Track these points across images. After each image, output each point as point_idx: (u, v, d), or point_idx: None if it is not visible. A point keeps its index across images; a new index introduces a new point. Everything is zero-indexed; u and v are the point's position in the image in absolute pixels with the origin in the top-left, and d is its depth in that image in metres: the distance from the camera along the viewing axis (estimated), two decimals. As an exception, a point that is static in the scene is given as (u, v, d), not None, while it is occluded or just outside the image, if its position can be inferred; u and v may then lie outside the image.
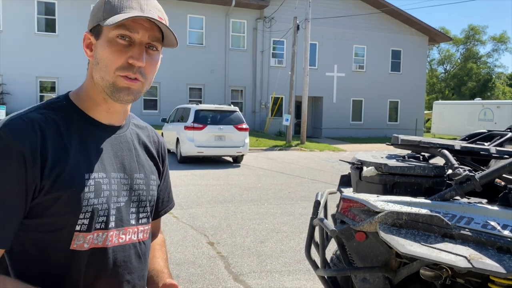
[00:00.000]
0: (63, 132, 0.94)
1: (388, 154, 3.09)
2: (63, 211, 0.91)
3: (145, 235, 1.08)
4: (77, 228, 0.92)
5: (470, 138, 3.48)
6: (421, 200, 2.20)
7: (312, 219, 2.73)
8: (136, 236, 1.04)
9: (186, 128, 11.94)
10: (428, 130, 32.30)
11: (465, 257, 1.82)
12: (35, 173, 0.88)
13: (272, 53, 23.81)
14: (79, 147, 0.96)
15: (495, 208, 2.08)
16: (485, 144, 3.10)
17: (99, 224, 0.95)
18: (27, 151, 0.87)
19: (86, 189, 0.93)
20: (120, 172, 1.02)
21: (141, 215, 1.06)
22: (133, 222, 1.03)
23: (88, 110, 1.01)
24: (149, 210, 1.09)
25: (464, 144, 2.92)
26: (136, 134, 1.12)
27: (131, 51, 0.94)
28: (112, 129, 1.05)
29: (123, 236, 1.01)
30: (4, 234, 0.87)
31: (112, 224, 0.98)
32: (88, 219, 0.93)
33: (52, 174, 0.89)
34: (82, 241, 0.93)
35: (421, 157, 3.14)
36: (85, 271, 0.94)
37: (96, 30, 0.98)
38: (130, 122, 1.12)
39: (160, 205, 1.23)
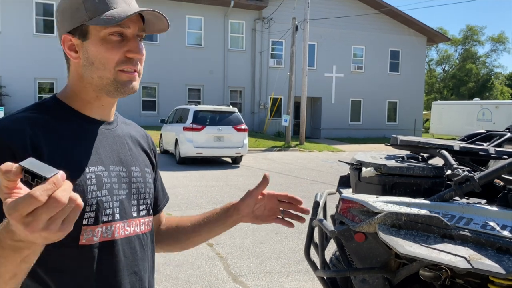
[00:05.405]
0: (56, 129, 0.94)
1: (387, 155, 3.09)
2: None
3: (147, 227, 1.09)
4: (84, 222, 0.92)
5: (469, 138, 3.49)
6: (420, 200, 2.20)
7: (311, 220, 2.72)
8: (139, 228, 1.05)
9: (185, 129, 11.91)
10: (426, 130, 32.33)
11: (465, 257, 1.83)
12: None
13: (271, 53, 23.81)
14: (75, 142, 0.96)
15: (494, 208, 2.08)
16: (484, 144, 3.10)
17: (106, 217, 0.96)
18: (19, 149, 0.85)
19: (89, 182, 0.93)
20: (118, 165, 1.03)
21: (141, 207, 1.07)
22: (134, 214, 1.05)
23: (80, 108, 1.01)
24: (148, 202, 1.10)
25: (463, 144, 2.92)
26: (126, 129, 1.13)
27: (127, 45, 0.96)
28: (104, 125, 1.05)
29: (128, 228, 1.01)
30: None
31: (117, 216, 0.99)
32: (94, 212, 0.93)
33: None
34: (91, 235, 0.93)
35: (420, 157, 3.14)
36: (97, 265, 0.94)
37: (79, 31, 0.96)
38: (118, 118, 1.13)
39: (158, 200, 1.24)
